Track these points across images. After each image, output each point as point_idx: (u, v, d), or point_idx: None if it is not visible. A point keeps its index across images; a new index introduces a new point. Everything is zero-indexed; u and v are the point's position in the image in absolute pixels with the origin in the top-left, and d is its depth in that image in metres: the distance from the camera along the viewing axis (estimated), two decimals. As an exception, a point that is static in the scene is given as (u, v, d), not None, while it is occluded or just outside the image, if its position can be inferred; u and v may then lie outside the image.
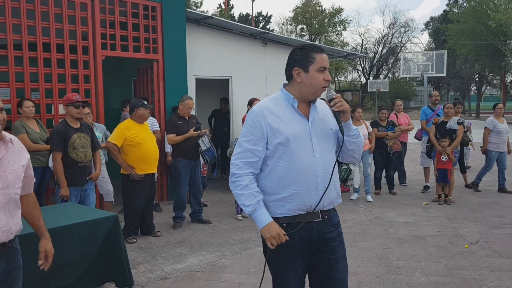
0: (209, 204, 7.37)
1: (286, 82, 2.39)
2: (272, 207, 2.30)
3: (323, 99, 2.52)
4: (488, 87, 45.03)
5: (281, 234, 2.22)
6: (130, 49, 7.09)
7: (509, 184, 8.33)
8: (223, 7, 37.13)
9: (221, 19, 8.94)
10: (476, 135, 10.01)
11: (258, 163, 2.31)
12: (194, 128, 6.11)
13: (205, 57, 8.35)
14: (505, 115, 9.34)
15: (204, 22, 8.40)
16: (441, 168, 7.28)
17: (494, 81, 41.01)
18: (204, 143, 6.18)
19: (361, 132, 7.15)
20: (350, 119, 2.31)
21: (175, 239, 5.62)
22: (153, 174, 5.64)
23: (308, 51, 2.28)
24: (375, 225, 6.12)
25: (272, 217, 2.27)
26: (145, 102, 5.48)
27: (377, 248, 5.13)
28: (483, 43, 29.15)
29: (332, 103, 2.26)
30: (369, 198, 7.52)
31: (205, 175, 7.00)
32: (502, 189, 8.09)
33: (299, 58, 2.28)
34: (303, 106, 2.33)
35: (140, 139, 5.32)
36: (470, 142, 8.57)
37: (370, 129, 7.67)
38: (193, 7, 37.61)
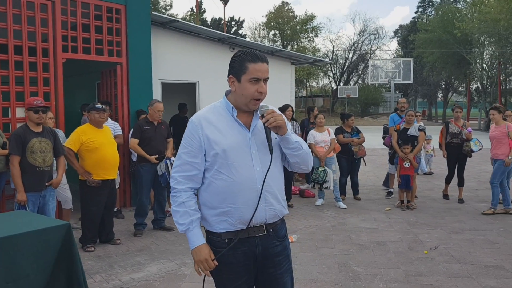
0: (173, 211, 7.24)
1: None
2: (213, 222, 2.19)
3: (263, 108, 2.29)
4: (454, 94, 46.35)
5: (209, 259, 2.14)
6: (93, 51, 6.93)
7: (480, 198, 8.53)
8: (195, 10, 36.96)
9: (188, 23, 8.87)
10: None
11: (198, 176, 2.20)
12: (156, 156, 6.01)
13: (171, 61, 8.25)
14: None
15: (170, 25, 8.32)
16: (403, 174, 7.39)
17: (460, 88, 42.25)
18: (160, 168, 6.03)
19: (327, 139, 6.92)
20: (290, 131, 2.16)
21: (135, 247, 5.49)
22: (113, 180, 5.49)
23: (242, 60, 2.12)
24: (338, 231, 6.15)
25: (214, 233, 2.19)
26: (101, 106, 5.32)
27: (338, 254, 5.15)
28: (449, 51, 29.98)
29: (263, 120, 2.09)
30: (342, 205, 7.54)
31: None
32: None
33: (234, 66, 2.15)
34: (245, 115, 2.20)
35: (97, 144, 5.18)
36: (469, 150, 7.76)
37: (333, 136, 7.71)
38: (162, 10, 37.31)
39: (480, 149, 7.84)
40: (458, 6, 33.51)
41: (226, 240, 2.17)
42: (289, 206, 7.52)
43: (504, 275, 4.54)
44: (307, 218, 6.85)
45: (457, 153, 7.80)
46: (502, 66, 28.08)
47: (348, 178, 8.21)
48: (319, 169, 7.43)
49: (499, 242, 5.65)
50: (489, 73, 30.01)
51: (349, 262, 4.90)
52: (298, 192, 8.60)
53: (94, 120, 5.29)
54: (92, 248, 5.32)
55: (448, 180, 8.14)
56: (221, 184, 2.15)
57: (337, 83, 48.67)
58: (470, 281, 4.37)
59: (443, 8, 34.63)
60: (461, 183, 7.97)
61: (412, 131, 7.42)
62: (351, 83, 49.33)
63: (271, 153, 2.12)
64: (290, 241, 5.51)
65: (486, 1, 27.19)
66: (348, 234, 5.97)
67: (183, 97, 10.54)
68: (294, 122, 7.72)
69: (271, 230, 2.23)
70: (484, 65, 30.26)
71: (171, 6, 41.58)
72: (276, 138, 2.19)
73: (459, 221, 6.64)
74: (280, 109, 7.50)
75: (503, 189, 7.19)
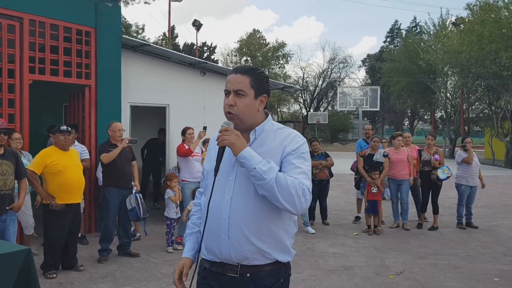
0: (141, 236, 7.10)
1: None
2: (202, 245, 2.09)
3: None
4: (420, 122, 47.72)
5: (176, 276, 2.07)
6: (61, 73, 6.84)
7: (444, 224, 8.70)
8: (167, 35, 37.13)
9: (158, 46, 8.91)
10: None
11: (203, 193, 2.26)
12: (128, 140, 5.96)
13: (141, 84, 8.22)
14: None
15: (141, 49, 8.32)
16: (371, 199, 7.51)
17: (425, 116, 43.53)
18: (130, 202, 5.94)
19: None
20: (251, 155, 1.88)
21: (99, 273, 5.33)
22: (77, 204, 5.36)
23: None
24: (306, 256, 6.15)
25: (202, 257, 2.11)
26: (66, 128, 5.23)
27: (306, 280, 5.14)
28: (415, 80, 30.97)
29: (217, 138, 1.94)
30: (311, 230, 7.57)
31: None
32: (468, 223, 8.14)
33: None
34: (244, 136, 1.98)
35: (61, 167, 5.07)
36: (435, 178, 7.83)
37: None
38: (134, 34, 37.32)
39: (448, 177, 7.81)
40: (423, 37, 34.80)
41: (202, 267, 2.10)
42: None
43: (467, 299, 4.64)
44: (275, 243, 6.83)
45: (430, 180, 7.91)
46: (465, 96, 29.16)
47: (317, 203, 8.28)
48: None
49: (462, 266, 5.77)
50: (453, 102, 31.10)
51: (316, 287, 4.90)
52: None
53: (59, 142, 5.19)
54: (54, 275, 5.13)
55: (423, 208, 8.10)
56: (203, 207, 2.15)
57: (308, 109, 49.40)
58: (435, 306, 4.44)
59: (409, 39, 35.98)
60: (435, 211, 7.99)
61: (378, 157, 7.59)
62: (321, 109, 50.13)
63: (214, 174, 1.92)
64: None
65: (449, 34, 28.41)
66: (316, 259, 5.98)
67: (153, 120, 10.49)
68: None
69: (247, 275, 1.95)
70: (448, 94, 31.37)
71: (143, 29, 41.49)
72: (218, 164, 1.95)
73: (424, 246, 6.76)
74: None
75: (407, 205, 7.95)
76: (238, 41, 48.55)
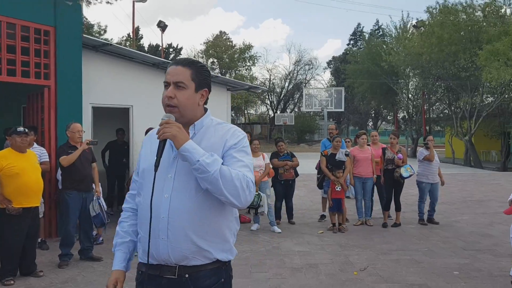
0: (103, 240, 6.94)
1: None
2: (139, 247, 2.02)
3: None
4: (383, 122, 48.87)
5: (109, 286, 1.98)
6: (18, 73, 6.61)
7: (407, 220, 8.91)
8: (132, 36, 36.55)
9: (121, 46, 8.75)
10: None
11: (135, 196, 2.09)
12: (88, 142, 5.81)
13: (104, 85, 8.05)
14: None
15: (103, 49, 8.14)
16: (335, 197, 7.61)
17: (388, 116, 44.65)
18: (94, 208, 5.81)
19: (261, 164, 6.95)
20: (194, 147, 1.81)
21: (59, 279, 5.17)
22: (36, 207, 5.18)
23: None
24: (272, 255, 6.17)
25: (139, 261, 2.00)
26: (23, 129, 5.06)
27: (271, 279, 5.16)
28: (378, 82, 31.73)
29: (158, 131, 1.86)
30: (277, 229, 7.60)
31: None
32: (430, 219, 8.40)
33: None
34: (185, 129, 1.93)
35: (18, 169, 4.89)
36: (398, 176, 7.97)
37: (267, 160, 7.84)
38: (96, 35, 36.54)
39: (411, 175, 7.99)
40: (385, 40, 35.69)
41: (140, 272, 2.00)
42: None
43: (427, 292, 4.76)
44: (241, 243, 6.82)
45: (393, 178, 8.07)
46: (426, 96, 30.09)
47: (283, 203, 8.33)
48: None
49: (423, 261, 5.92)
50: (414, 103, 32.03)
51: (281, 285, 4.92)
52: (233, 218, 8.55)
53: (16, 144, 5.01)
54: (12, 282, 4.94)
55: (386, 207, 8.24)
56: (139, 208, 2.02)
57: (274, 110, 49.72)
58: (397, 300, 4.54)
59: (372, 41, 36.82)
60: (398, 208, 8.17)
61: (340, 156, 7.72)
62: (288, 110, 50.59)
63: (155, 169, 1.83)
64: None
65: (410, 37, 29.25)
66: (282, 258, 6.01)
67: (116, 122, 10.28)
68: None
69: (186, 275, 1.88)
70: (410, 95, 32.29)
71: (105, 30, 40.65)
72: (158, 158, 1.86)
73: (387, 242, 6.90)
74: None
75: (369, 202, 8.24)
76: (204, 43, 48.35)
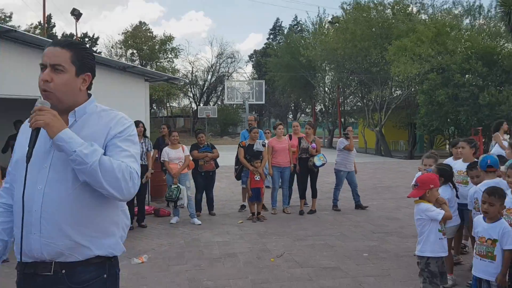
0: None
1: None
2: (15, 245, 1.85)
3: None
4: (302, 115, 50.43)
5: None
6: None
7: (322, 207, 9.27)
8: (43, 23, 34.14)
9: (27, 33, 8.15)
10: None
11: (11, 189, 1.91)
12: None
13: (7, 74, 7.45)
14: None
15: (6, 35, 7.53)
16: (254, 187, 7.74)
17: (307, 109, 46.18)
18: None
19: (181, 156, 6.70)
20: (68, 138, 1.68)
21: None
22: None
23: None
24: (191, 247, 6.14)
25: None
26: None
27: (189, 270, 5.13)
28: (297, 75, 32.64)
29: (30, 119, 1.71)
30: (197, 221, 7.55)
31: None
32: (359, 205, 8.83)
33: None
34: (63, 118, 1.79)
35: None
36: (312, 165, 8.25)
37: (187, 152, 7.77)
38: (1, 21, 33.81)
39: (323, 164, 8.37)
40: (303, 35, 36.76)
41: (17, 272, 1.85)
42: (142, 227, 7.31)
43: (339, 275, 5.01)
44: (160, 237, 6.72)
45: (307, 166, 8.34)
46: (341, 90, 31.52)
47: (204, 195, 8.32)
48: (172, 186, 7.39)
49: (336, 245, 6.22)
50: (330, 96, 33.43)
51: (199, 277, 4.92)
52: (153, 212, 8.39)
53: None
54: None
55: (302, 195, 8.51)
56: (13, 202, 1.86)
57: (197, 103, 49.30)
58: (310, 283, 4.72)
59: (291, 36, 37.74)
60: (314, 195, 8.51)
61: (258, 146, 7.86)
62: (211, 103, 50.41)
63: (27, 160, 1.69)
64: (140, 261, 5.34)
65: (326, 32, 30.38)
66: (201, 249, 6.00)
67: (23, 113, 9.58)
68: (146, 139, 7.59)
69: (62, 271, 1.75)
70: (326, 89, 33.64)
71: (10, 17, 37.64)
72: (30, 148, 1.72)
73: (303, 229, 7.16)
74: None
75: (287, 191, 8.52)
76: (123, 33, 46.53)
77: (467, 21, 25.99)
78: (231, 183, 12.40)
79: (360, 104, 29.99)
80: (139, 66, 15.58)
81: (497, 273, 3.45)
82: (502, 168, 4.57)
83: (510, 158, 5.38)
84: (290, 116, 50.89)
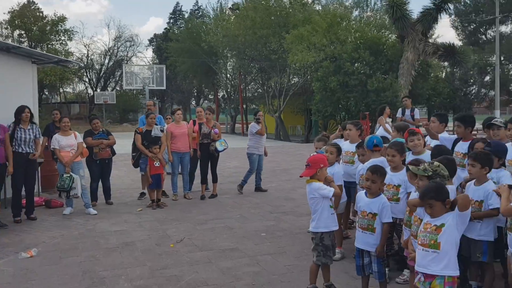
0: None
1: None
2: None
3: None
4: (205, 101, 50.31)
5: None
6: None
7: (223, 191, 9.35)
8: None
9: None
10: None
11: None
12: None
13: None
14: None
15: None
16: (154, 173, 7.60)
17: (210, 95, 46.15)
18: None
19: (73, 143, 6.39)
20: None
21: None
22: None
23: None
24: (85, 238, 5.88)
25: None
26: None
27: (83, 262, 4.92)
28: (199, 61, 32.39)
29: None
30: (92, 211, 7.22)
31: None
32: (258, 188, 9.09)
33: None
34: None
35: None
36: (213, 150, 8.31)
37: (80, 139, 7.38)
38: None
39: (225, 149, 8.48)
40: (204, 20, 36.48)
41: None
42: (31, 219, 6.83)
43: (238, 255, 5.15)
44: (52, 229, 6.33)
45: (209, 152, 8.36)
46: (242, 77, 31.94)
47: (100, 183, 7.98)
48: (64, 175, 6.99)
49: (235, 227, 6.38)
50: (232, 82, 33.76)
51: (94, 267, 4.74)
52: (43, 203, 7.86)
53: None
54: None
55: (203, 180, 8.54)
56: None
57: (94, 89, 46.73)
58: (210, 266, 4.80)
59: (192, 21, 37.26)
60: (215, 180, 8.57)
61: (156, 132, 7.73)
62: (109, 89, 48.12)
63: None
64: (28, 255, 5.01)
65: (227, 19, 30.48)
66: (97, 240, 5.78)
67: None
68: (34, 125, 7.02)
69: None
70: (228, 75, 33.88)
71: None
72: None
73: (204, 213, 7.22)
74: (16, 111, 6.73)
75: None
76: (9, 12, 42.28)
77: (357, 12, 27.77)
78: (131, 171, 12.02)
79: (260, 91, 30.71)
80: (28, 48, 14.31)
81: (377, 244, 3.80)
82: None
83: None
84: (193, 102, 50.51)
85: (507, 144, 4.33)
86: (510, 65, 30.87)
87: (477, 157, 3.77)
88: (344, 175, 5.17)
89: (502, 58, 27.79)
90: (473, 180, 3.85)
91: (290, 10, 24.77)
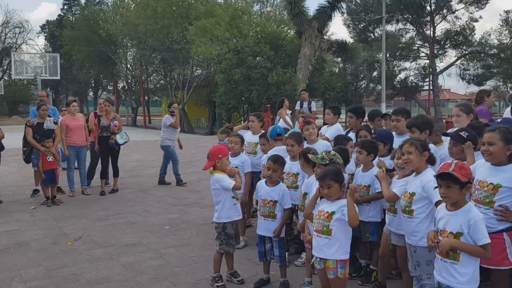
0: None
1: None
2: None
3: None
4: (104, 92, 47.93)
5: None
6: None
7: (125, 186, 9.06)
8: None
9: None
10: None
11: None
12: None
13: None
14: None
15: None
16: (48, 169, 7.16)
17: (109, 86, 44.05)
18: None
19: None
20: None
21: None
22: None
23: None
24: (-30, 241, 5.39)
25: None
26: None
27: (-32, 267, 4.53)
28: (97, 50, 30.72)
29: None
30: None
31: None
32: (162, 181, 9.01)
33: None
34: None
35: None
36: (113, 143, 8.03)
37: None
38: None
39: (126, 142, 8.23)
40: (102, 7, 34.65)
41: None
42: None
43: (141, 250, 5.09)
44: None
45: (108, 145, 8.02)
46: (144, 67, 30.98)
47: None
48: None
49: (138, 222, 6.27)
50: (133, 73, 32.59)
51: (-18, 271, 4.39)
52: None
53: None
54: None
55: (103, 175, 8.21)
56: None
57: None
58: (111, 262, 4.69)
59: (89, 8, 35.18)
60: (116, 174, 8.27)
61: (49, 124, 7.30)
62: (-5, 79, 43.84)
63: None
64: None
65: (127, 7, 29.26)
66: (-17, 242, 5.33)
67: None
68: None
69: None
70: (129, 66, 32.63)
71: None
72: None
73: (104, 209, 6.98)
74: None
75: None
76: None
77: (257, 7, 28.32)
78: (22, 167, 11.16)
79: (163, 82, 30.07)
80: None
81: (278, 229, 4.01)
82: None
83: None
84: (91, 93, 47.90)
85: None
86: (394, 61, 33.65)
87: (364, 144, 4.13)
88: (247, 166, 5.34)
89: (388, 55, 30.20)
90: (361, 167, 4.22)
91: (192, 1, 24.52)
